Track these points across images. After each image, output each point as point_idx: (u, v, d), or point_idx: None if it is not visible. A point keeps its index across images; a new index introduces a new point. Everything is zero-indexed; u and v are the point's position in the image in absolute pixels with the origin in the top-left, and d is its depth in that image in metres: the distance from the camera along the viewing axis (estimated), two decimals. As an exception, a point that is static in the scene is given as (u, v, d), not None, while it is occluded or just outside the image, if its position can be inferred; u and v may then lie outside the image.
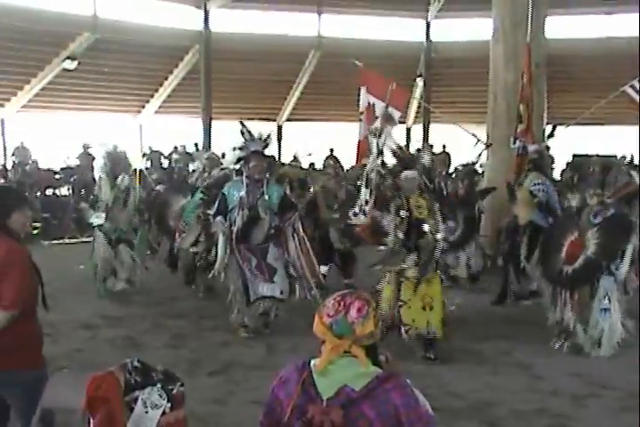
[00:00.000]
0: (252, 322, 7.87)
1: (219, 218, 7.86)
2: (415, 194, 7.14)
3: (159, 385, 2.46)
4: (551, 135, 9.94)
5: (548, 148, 10.18)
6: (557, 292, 7.43)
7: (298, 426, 2.54)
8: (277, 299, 7.83)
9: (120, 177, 9.70)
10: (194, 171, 11.81)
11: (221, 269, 7.88)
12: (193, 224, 9.16)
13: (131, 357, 2.58)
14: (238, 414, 5.65)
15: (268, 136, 8.33)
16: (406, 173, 7.18)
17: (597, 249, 7.18)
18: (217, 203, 8.01)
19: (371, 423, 2.48)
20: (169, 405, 2.45)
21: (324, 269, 9.53)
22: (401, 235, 6.99)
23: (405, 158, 7.43)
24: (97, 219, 9.68)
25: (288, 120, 26.81)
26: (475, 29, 22.83)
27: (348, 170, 19.91)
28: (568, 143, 19.33)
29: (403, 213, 7.01)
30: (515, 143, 9.91)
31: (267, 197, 7.80)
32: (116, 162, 9.88)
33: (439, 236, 7.03)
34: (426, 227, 6.98)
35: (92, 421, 2.39)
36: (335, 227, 9.89)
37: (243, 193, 7.77)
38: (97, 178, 9.94)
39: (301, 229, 8.09)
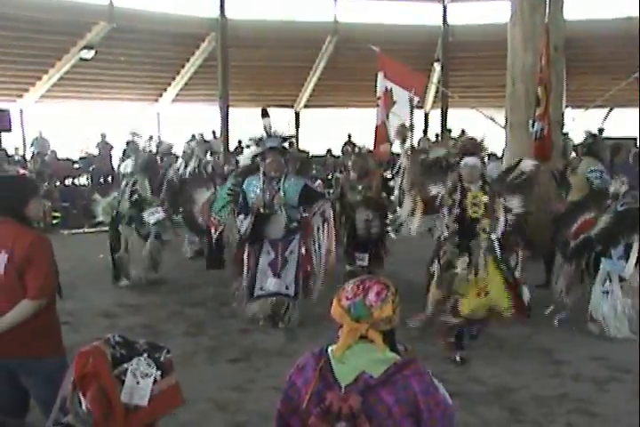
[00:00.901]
0: (260, 313, 7.78)
1: (241, 217, 7.75)
2: (476, 186, 6.48)
3: (145, 355, 2.46)
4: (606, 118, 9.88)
5: (601, 131, 10.04)
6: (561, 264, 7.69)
7: (316, 413, 2.53)
8: (284, 295, 7.68)
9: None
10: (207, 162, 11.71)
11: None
12: (230, 218, 8.62)
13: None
14: (259, 400, 5.65)
15: (290, 137, 8.30)
16: (467, 160, 6.47)
17: (600, 231, 7.31)
18: (240, 200, 7.82)
19: (389, 410, 2.47)
20: (159, 373, 2.45)
21: (364, 257, 9.44)
22: (451, 235, 6.48)
23: (467, 143, 6.66)
24: (156, 215, 9.71)
25: (305, 106, 26.76)
26: (492, 12, 22.71)
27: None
28: (588, 126, 19.22)
29: (455, 210, 6.42)
30: (533, 126, 9.82)
31: (282, 194, 7.63)
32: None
33: (494, 236, 6.44)
34: (479, 227, 6.41)
35: (83, 399, 2.39)
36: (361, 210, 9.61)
37: (258, 191, 7.65)
38: (136, 177, 9.86)
39: (332, 218, 7.88)
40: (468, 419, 5.23)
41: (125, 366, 2.41)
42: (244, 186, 7.77)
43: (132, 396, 2.40)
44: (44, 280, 3.96)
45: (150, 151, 10.66)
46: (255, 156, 7.91)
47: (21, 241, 3.92)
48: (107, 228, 10.36)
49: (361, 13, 24.74)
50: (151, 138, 11.08)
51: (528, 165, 6.96)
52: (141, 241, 9.76)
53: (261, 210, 7.60)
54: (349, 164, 9.88)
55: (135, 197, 9.73)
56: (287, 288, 7.68)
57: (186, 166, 11.32)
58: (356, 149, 10.77)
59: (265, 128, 7.86)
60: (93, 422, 2.38)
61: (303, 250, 7.75)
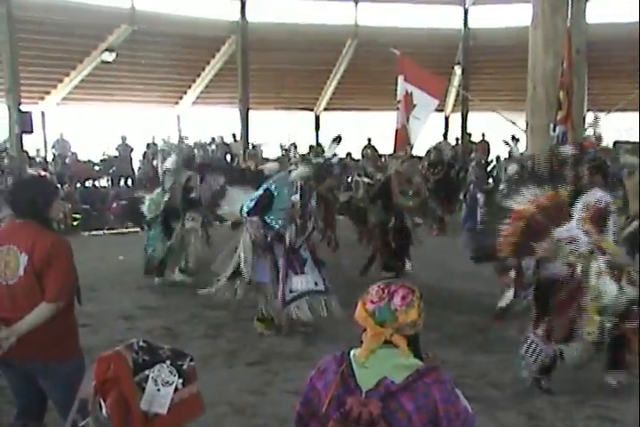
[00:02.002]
0: (302, 316, 7.53)
1: (255, 219, 7.47)
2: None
3: (168, 362, 2.43)
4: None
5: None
6: None
7: (335, 417, 2.51)
8: (316, 291, 7.52)
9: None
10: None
11: (251, 274, 7.58)
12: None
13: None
14: (276, 404, 5.64)
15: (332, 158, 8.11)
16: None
17: None
18: (259, 198, 7.48)
19: (409, 417, 2.44)
20: (180, 380, 2.42)
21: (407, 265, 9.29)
22: None
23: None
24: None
25: (325, 109, 26.76)
26: (513, 15, 22.57)
27: (385, 159, 19.84)
28: (609, 130, 19.10)
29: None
30: (554, 130, 9.76)
31: (314, 203, 7.64)
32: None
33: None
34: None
35: (103, 404, 2.38)
36: (412, 215, 9.59)
37: (296, 197, 7.43)
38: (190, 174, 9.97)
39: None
40: (487, 424, 5.19)
41: (147, 372, 2.38)
42: (272, 189, 7.51)
43: (151, 404, 2.37)
44: (63, 283, 3.97)
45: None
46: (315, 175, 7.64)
47: (41, 243, 3.93)
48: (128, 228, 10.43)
49: (381, 17, 24.71)
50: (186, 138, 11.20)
51: None
52: (192, 237, 9.87)
53: (297, 220, 7.45)
54: (394, 169, 9.65)
55: (192, 194, 9.85)
56: (316, 284, 7.55)
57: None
58: (402, 155, 10.70)
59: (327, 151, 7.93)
60: None
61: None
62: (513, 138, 9.88)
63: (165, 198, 9.76)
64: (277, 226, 7.40)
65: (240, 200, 7.81)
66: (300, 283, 7.45)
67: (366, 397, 2.49)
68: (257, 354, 7.02)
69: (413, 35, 23.07)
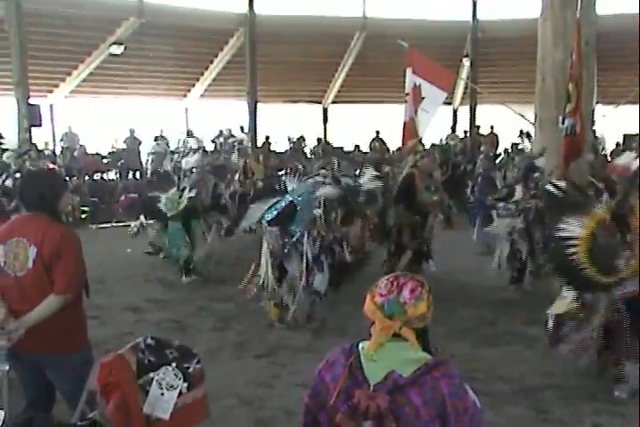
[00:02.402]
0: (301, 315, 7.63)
1: (275, 229, 7.51)
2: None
3: (174, 364, 2.39)
4: None
5: None
6: None
7: (343, 410, 2.50)
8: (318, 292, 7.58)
9: None
10: None
11: (271, 282, 7.55)
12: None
13: (177, 340, 2.54)
14: (284, 396, 5.66)
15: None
16: None
17: None
18: (282, 209, 7.51)
19: (417, 410, 2.43)
20: (185, 384, 2.38)
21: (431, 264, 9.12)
22: None
23: None
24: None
25: (333, 102, 26.74)
26: (522, 7, 22.44)
27: (393, 152, 19.86)
28: (619, 123, 19.02)
29: None
30: (563, 123, 9.70)
31: (333, 218, 7.69)
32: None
33: None
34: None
35: (105, 407, 2.35)
36: (435, 211, 9.44)
37: (318, 211, 7.53)
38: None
39: None
40: (495, 418, 5.19)
41: (151, 375, 2.35)
42: (296, 202, 7.54)
43: (154, 407, 2.34)
44: (72, 275, 3.97)
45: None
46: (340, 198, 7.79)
47: (51, 235, 3.93)
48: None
49: (390, 9, 24.65)
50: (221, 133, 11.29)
51: None
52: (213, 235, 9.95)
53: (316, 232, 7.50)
54: (412, 164, 9.39)
55: (222, 201, 10.08)
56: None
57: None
58: (421, 149, 10.63)
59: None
60: None
61: None
62: (523, 133, 9.84)
63: (187, 196, 9.75)
64: (297, 235, 7.43)
65: (259, 213, 7.78)
66: (319, 282, 7.48)
67: (374, 390, 2.47)
68: (265, 347, 7.04)
69: (422, 27, 23.00)
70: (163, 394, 2.33)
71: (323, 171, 8.15)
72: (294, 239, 7.45)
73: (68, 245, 4.00)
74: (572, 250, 5.56)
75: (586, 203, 6.11)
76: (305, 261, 7.42)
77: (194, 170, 10.25)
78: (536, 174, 9.52)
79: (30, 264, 3.91)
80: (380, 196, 9.12)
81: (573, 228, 5.64)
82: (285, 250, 7.47)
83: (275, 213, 7.47)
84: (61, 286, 3.91)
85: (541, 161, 9.75)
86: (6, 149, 15.69)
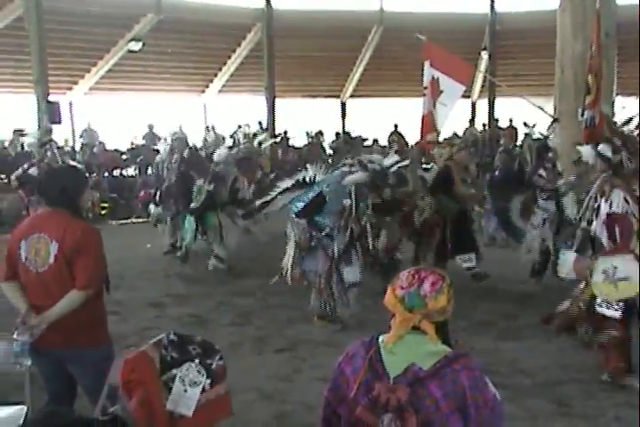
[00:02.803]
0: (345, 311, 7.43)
1: (302, 221, 7.36)
2: None
3: (197, 360, 2.39)
4: None
5: None
6: None
7: (363, 403, 2.51)
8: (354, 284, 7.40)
9: None
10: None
11: (293, 274, 7.51)
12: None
13: (197, 335, 2.55)
14: (304, 390, 5.66)
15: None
16: None
17: None
18: (310, 201, 7.32)
19: (437, 403, 2.43)
20: (208, 381, 2.37)
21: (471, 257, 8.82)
22: None
23: None
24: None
25: (351, 97, 26.68)
26: (541, -1, 22.30)
27: (412, 146, 19.78)
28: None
29: None
30: (583, 115, 9.64)
31: (365, 207, 7.44)
32: None
33: None
34: None
35: (128, 404, 2.36)
36: (472, 204, 9.27)
37: (348, 201, 7.32)
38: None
39: None
40: (516, 411, 5.17)
41: (175, 371, 2.34)
42: (325, 193, 7.36)
43: (177, 404, 2.34)
44: (93, 271, 4.00)
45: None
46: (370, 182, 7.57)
47: (72, 231, 3.96)
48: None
49: (407, 2, 24.54)
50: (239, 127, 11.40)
51: None
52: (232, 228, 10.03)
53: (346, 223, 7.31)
54: (446, 157, 9.19)
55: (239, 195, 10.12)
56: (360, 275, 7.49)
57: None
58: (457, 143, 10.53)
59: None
60: (124, 423, 2.34)
61: None
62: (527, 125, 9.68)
63: (206, 189, 9.82)
64: (327, 227, 7.29)
65: (284, 201, 7.63)
66: (350, 274, 7.32)
67: (394, 383, 2.48)
68: (285, 341, 7.05)
69: (439, 20, 22.87)
70: (186, 391, 2.33)
71: (348, 160, 7.94)
72: (323, 233, 7.30)
73: (90, 240, 4.03)
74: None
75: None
76: (331, 255, 7.28)
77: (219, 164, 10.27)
78: (549, 154, 9.48)
79: (52, 260, 3.94)
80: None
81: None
82: (312, 243, 7.34)
83: (302, 204, 7.32)
84: (83, 281, 3.93)
85: (554, 141, 9.72)
86: (24, 134, 15.66)
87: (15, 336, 3.79)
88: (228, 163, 10.24)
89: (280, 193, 7.63)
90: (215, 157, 10.27)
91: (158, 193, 11.06)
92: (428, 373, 2.46)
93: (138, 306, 8.37)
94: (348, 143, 22.19)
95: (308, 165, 7.80)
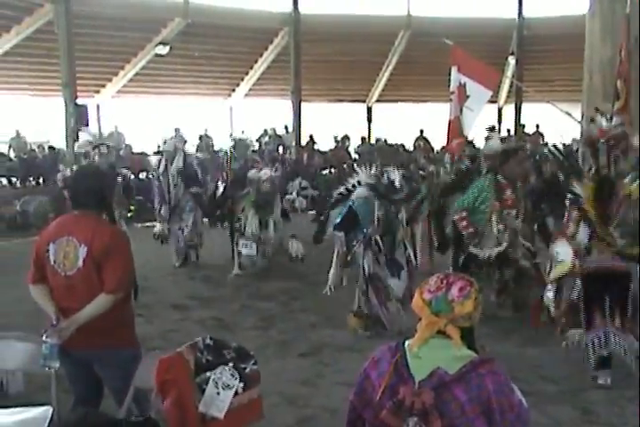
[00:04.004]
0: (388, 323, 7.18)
1: (340, 234, 7.26)
2: None
3: (231, 364, 2.42)
4: None
5: None
6: None
7: (388, 407, 2.51)
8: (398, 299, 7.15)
9: None
10: None
11: (337, 283, 7.36)
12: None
13: (221, 338, 2.56)
14: (328, 395, 5.64)
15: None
16: None
17: None
18: (344, 215, 7.21)
19: (462, 407, 2.43)
20: (241, 384, 2.40)
21: None
22: None
23: None
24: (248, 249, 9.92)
25: (377, 101, 26.69)
26: (569, 3, 22.17)
27: (437, 151, 19.71)
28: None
29: None
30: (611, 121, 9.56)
31: (402, 217, 7.32)
32: None
33: None
34: None
35: (162, 405, 2.38)
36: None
37: (379, 214, 7.12)
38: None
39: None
40: (539, 418, 5.12)
41: (209, 374, 2.38)
42: (355, 207, 7.20)
43: (209, 406, 2.36)
44: (122, 274, 4.00)
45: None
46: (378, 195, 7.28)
47: (101, 235, 3.96)
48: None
49: (434, 7, 24.53)
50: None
51: None
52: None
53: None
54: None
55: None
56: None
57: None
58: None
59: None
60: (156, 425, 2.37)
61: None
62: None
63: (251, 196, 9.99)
64: (359, 241, 7.17)
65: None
66: (396, 286, 7.12)
67: (419, 387, 2.48)
68: (308, 345, 7.04)
69: (467, 25, 22.85)
70: (219, 393, 2.36)
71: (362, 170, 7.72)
72: (357, 245, 7.19)
73: (119, 244, 4.04)
74: None
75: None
76: (365, 270, 7.15)
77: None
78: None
79: (80, 263, 3.93)
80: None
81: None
82: (349, 257, 7.26)
83: (339, 218, 7.27)
84: (112, 285, 3.93)
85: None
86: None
87: (44, 338, 3.80)
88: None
89: (334, 204, 7.58)
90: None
91: (163, 207, 10.70)
92: (453, 377, 2.46)
93: (162, 308, 8.39)
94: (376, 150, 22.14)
95: (358, 169, 7.65)
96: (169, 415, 2.33)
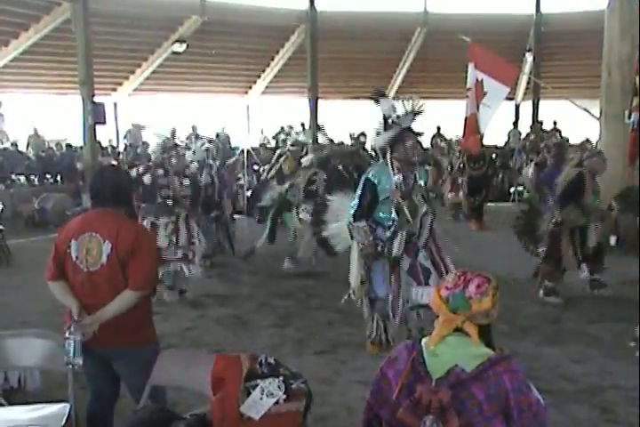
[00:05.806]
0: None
1: (362, 224, 6.27)
2: None
3: (281, 378, 2.57)
4: None
5: None
6: None
7: (405, 405, 2.51)
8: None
9: None
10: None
11: (359, 287, 6.46)
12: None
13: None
14: (345, 393, 5.65)
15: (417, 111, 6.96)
16: None
17: None
18: (360, 195, 6.32)
19: (479, 405, 2.42)
20: (284, 396, 2.55)
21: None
22: None
23: None
24: None
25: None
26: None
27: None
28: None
29: None
30: (630, 118, 9.50)
31: (421, 183, 6.42)
32: None
33: None
34: None
35: (210, 400, 2.54)
36: (596, 219, 8.18)
37: (397, 178, 6.23)
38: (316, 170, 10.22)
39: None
40: (558, 418, 5.10)
41: (258, 381, 2.53)
42: (372, 179, 6.31)
43: (250, 408, 2.51)
44: (148, 271, 4.01)
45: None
46: (394, 138, 6.55)
47: (125, 232, 3.97)
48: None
49: (451, 3, 24.44)
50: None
51: None
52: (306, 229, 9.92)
53: (403, 205, 6.22)
54: (579, 162, 8.31)
55: (312, 187, 9.93)
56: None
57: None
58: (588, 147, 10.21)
59: (387, 111, 6.86)
60: (211, 422, 2.51)
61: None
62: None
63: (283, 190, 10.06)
64: (389, 222, 6.30)
65: (345, 209, 6.74)
66: (419, 295, 6.24)
67: (436, 385, 2.48)
68: (325, 343, 7.03)
69: (484, 21, 22.72)
70: (261, 399, 2.53)
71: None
72: (388, 233, 6.31)
73: (144, 241, 4.04)
74: None
75: None
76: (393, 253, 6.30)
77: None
78: None
79: (104, 259, 3.93)
80: None
81: None
82: (379, 248, 6.30)
83: (355, 203, 6.37)
84: (138, 282, 3.94)
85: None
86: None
87: (67, 335, 3.79)
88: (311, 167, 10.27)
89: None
90: (303, 161, 10.46)
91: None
92: (470, 375, 2.45)
93: (179, 306, 8.41)
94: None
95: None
96: (213, 409, 2.49)
